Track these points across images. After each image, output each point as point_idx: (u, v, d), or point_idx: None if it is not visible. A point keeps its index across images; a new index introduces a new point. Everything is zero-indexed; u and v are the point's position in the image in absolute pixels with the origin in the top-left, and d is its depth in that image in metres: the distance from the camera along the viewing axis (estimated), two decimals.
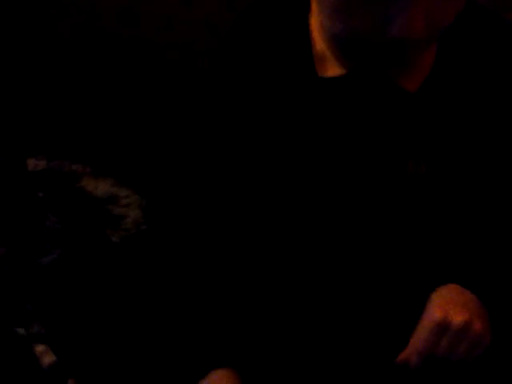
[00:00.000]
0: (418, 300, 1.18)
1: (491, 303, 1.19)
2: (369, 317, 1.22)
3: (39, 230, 1.52)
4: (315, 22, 1.26)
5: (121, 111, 1.73)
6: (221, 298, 1.24)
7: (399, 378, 1.19)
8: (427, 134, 1.22)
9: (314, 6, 1.25)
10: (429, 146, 1.21)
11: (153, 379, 1.39)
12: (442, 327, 1.13)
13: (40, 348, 1.44)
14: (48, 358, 1.43)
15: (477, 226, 1.23)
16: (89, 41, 1.72)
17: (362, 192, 1.21)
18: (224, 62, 1.31)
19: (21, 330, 1.45)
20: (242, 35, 1.31)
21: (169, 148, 1.64)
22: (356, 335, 1.22)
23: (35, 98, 1.69)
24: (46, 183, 1.57)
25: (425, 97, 1.22)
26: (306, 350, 1.23)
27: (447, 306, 1.15)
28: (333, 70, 1.24)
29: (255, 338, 1.24)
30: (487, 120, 1.24)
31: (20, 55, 1.71)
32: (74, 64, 1.72)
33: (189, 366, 1.20)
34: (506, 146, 1.25)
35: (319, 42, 1.25)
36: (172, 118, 1.69)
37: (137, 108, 1.73)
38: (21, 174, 1.55)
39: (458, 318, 1.13)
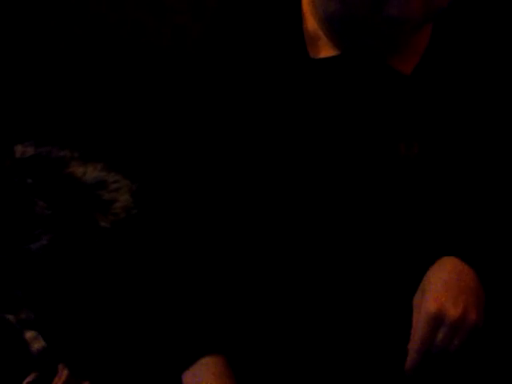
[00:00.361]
0: (415, 286, 1.17)
1: (488, 275, 1.18)
2: (366, 306, 1.21)
3: (28, 216, 1.50)
4: (307, 2, 1.25)
5: (110, 95, 1.72)
6: (212, 284, 1.23)
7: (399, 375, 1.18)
8: (420, 115, 1.21)
9: None
10: (421, 127, 1.21)
11: (142, 364, 1.38)
12: (438, 321, 1.13)
13: (29, 334, 1.43)
14: (37, 344, 1.42)
15: (470, 205, 1.22)
16: (76, 25, 1.70)
17: (354, 174, 1.21)
18: (215, 45, 1.30)
19: (10, 317, 1.43)
20: (232, 17, 1.30)
21: (159, 132, 1.62)
22: (353, 326, 1.21)
23: (21, 84, 1.68)
24: (35, 169, 1.55)
25: (418, 79, 1.22)
26: (300, 338, 1.21)
27: (442, 296, 1.14)
28: (325, 50, 1.23)
29: (246, 324, 1.23)
30: (480, 102, 1.23)
31: (4, 40, 1.69)
32: (61, 49, 1.70)
33: (178, 352, 1.19)
34: (498, 126, 1.24)
35: (311, 23, 1.24)
36: (162, 101, 1.68)
37: (126, 92, 1.72)
38: (7, 161, 1.53)
39: (452, 312, 1.13)
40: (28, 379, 1.37)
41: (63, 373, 1.38)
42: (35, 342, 1.42)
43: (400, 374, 1.16)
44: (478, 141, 1.23)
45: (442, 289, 1.14)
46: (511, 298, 1.22)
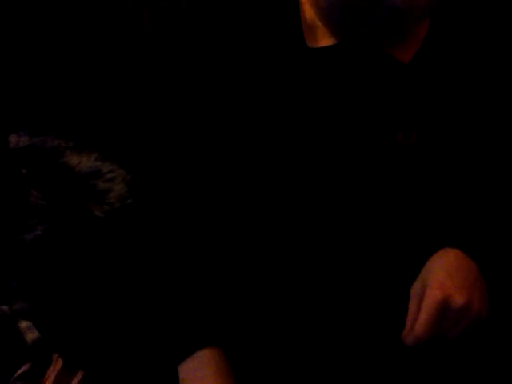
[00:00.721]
0: (413, 277, 1.16)
1: (490, 267, 1.17)
2: (364, 297, 1.20)
3: (22, 206, 1.50)
4: None
5: (105, 85, 1.71)
6: (208, 276, 1.22)
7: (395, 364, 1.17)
8: (418, 105, 1.20)
9: None
10: (419, 117, 1.20)
11: (137, 354, 1.38)
12: (442, 309, 1.11)
13: (24, 324, 1.43)
14: (32, 334, 1.42)
15: (469, 196, 1.21)
16: (69, 13, 1.69)
17: (352, 163, 1.20)
18: (212, 35, 1.29)
19: (4, 307, 1.43)
20: (229, 7, 1.29)
21: (155, 121, 1.61)
22: (352, 316, 1.20)
23: (15, 73, 1.67)
24: (29, 160, 1.55)
25: (417, 67, 1.21)
26: (297, 329, 1.21)
27: (447, 284, 1.12)
28: (323, 39, 1.22)
29: (243, 317, 1.22)
30: (479, 91, 1.23)
31: None
32: (55, 38, 1.69)
33: (175, 344, 1.19)
34: (497, 116, 1.23)
35: (309, 12, 1.23)
36: (157, 90, 1.67)
37: (121, 81, 1.71)
38: (1, 152, 1.53)
39: (458, 300, 1.11)
40: (22, 369, 1.37)
41: (57, 363, 1.38)
42: (29, 332, 1.42)
43: (397, 362, 1.16)
44: (476, 130, 1.22)
45: (446, 277, 1.13)
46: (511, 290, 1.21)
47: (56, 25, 1.68)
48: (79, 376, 1.36)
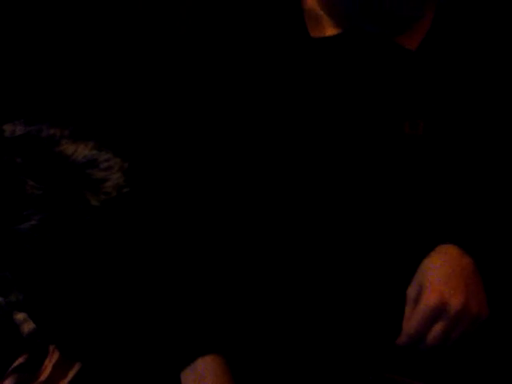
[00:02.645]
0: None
1: (488, 263, 1.15)
2: (361, 295, 1.18)
3: (18, 196, 1.49)
4: None
5: (101, 73, 1.70)
6: (206, 277, 1.20)
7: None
8: (425, 93, 1.19)
9: None
10: (427, 105, 1.18)
11: (134, 349, 1.36)
12: (438, 312, 1.09)
13: (19, 316, 1.41)
14: (27, 326, 1.41)
15: (474, 185, 1.19)
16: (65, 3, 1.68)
17: (358, 152, 1.18)
18: (214, 26, 1.27)
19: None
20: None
21: (152, 108, 1.60)
22: (349, 316, 1.18)
23: (11, 62, 1.66)
24: (24, 148, 1.53)
25: (424, 55, 1.19)
26: (295, 334, 1.19)
27: (443, 285, 1.10)
28: (327, 29, 1.21)
29: (243, 324, 1.21)
30: (486, 78, 1.21)
31: None
32: (52, 28, 1.68)
33: (175, 352, 1.17)
34: (503, 103, 1.21)
35: (311, 1, 1.22)
36: (155, 78, 1.66)
37: (118, 69, 1.70)
38: None
39: (454, 303, 1.09)
40: (18, 361, 1.36)
41: (54, 354, 1.37)
42: (25, 323, 1.41)
43: (394, 363, 1.14)
44: (482, 121, 1.20)
45: (442, 279, 1.11)
46: (510, 287, 1.19)
47: (53, 15, 1.67)
48: (76, 368, 1.35)
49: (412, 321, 1.10)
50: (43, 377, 1.34)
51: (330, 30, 1.21)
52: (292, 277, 1.19)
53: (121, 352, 1.38)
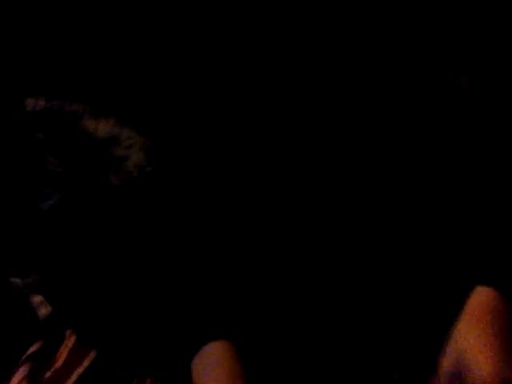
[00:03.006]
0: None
1: None
2: (366, 295, 1.17)
3: (38, 174, 1.47)
4: None
5: (125, 45, 1.65)
6: (212, 271, 1.19)
7: None
8: (471, 49, 1.13)
9: None
10: (472, 62, 1.12)
11: (150, 337, 1.35)
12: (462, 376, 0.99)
13: (36, 298, 1.41)
14: (44, 309, 1.40)
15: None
16: None
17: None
18: None
19: (16, 280, 1.41)
20: None
21: (175, 83, 1.56)
22: (352, 317, 1.17)
23: (33, 33, 1.62)
24: (46, 124, 1.51)
25: None
26: (298, 333, 1.18)
27: (495, 357, 0.97)
28: None
29: (252, 309, 1.19)
30: None
31: None
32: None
33: (182, 338, 1.16)
34: None
35: None
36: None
37: (143, 42, 1.65)
38: (18, 115, 1.49)
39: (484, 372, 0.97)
40: (34, 347, 1.36)
41: (70, 340, 1.37)
42: (42, 306, 1.41)
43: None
44: None
45: (477, 329, 0.97)
46: None
47: None
48: (92, 356, 1.35)
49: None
50: (58, 364, 1.34)
51: None
52: (293, 273, 1.18)
53: (136, 333, 1.37)
